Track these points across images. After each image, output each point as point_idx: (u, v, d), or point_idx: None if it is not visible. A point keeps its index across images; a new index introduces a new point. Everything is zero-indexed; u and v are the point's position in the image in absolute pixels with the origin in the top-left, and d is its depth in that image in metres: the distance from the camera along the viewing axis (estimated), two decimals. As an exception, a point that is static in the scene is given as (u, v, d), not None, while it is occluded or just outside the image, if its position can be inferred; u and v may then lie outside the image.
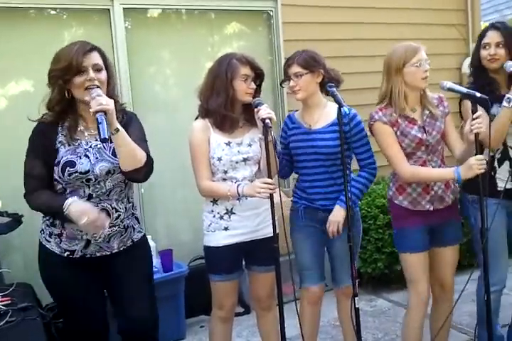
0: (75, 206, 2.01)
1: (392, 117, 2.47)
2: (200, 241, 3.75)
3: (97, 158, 2.12)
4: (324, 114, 2.56)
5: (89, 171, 2.09)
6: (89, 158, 2.11)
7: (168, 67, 3.94)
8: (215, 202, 2.47)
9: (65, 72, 2.03)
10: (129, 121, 2.20)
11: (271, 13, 4.16)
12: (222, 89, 2.38)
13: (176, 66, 3.93)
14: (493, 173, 2.66)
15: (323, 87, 2.56)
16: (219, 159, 2.41)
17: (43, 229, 2.23)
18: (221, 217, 2.45)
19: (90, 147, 2.13)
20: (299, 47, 2.62)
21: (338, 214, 2.50)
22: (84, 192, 2.12)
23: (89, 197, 2.13)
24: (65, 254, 2.17)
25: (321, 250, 2.68)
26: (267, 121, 2.20)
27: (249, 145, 2.46)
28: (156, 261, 3.16)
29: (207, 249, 2.51)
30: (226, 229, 2.45)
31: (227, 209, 2.45)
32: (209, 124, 2.44)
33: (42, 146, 2.11)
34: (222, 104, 2.38)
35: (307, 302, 2.66)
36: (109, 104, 1.94)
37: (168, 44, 3.90)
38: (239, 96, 2.40)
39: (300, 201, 2.66)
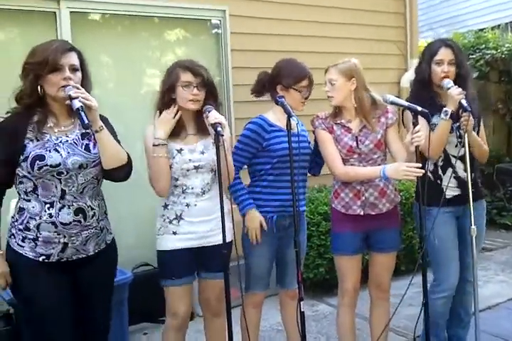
0: None
1: (329, 124, 2.69)
2: (144, 247, 3.75)
3: (68, 152, 2.10)
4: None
5: (60, 164, 2.06)
6: (59, 152, 2.08)
7: (113, 71, 3.91)
8: (165, 206, 2.47)
9: (38, 66, 2.02)
10: (104, 123, 2.23)
11: (219, 23, 4.21)
12: (170, 98, 2.41)
13: (122, 70, 3.91)
14: (439, 181, 2.76)
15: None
16: (170, 166, 2.41)
17: (13, 234, 2.14)
18: (170, 222, 2.46)
19: (60, 142, 2.11)
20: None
21: None
22: (56, 187, 2.08)
23: (63, 194, 2.09)
24: (41, 259, 2.10)
25: (274, 258, 2.77)
26: (217, 125, 2.22)
27: (202, 152, 2.46)
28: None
29: (158, 253, 2.50)
30: (174, 233, 2.45)
31: (176, 215, 2.45)
32: None
33: (6, 145, 2.06)
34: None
35: (252, 307, 2.72)
36: (93, 100, 2.02)
37: (114, 48, 3.87)
38: (181, 104, 2.41)
39: (266, 209, 2.66)
